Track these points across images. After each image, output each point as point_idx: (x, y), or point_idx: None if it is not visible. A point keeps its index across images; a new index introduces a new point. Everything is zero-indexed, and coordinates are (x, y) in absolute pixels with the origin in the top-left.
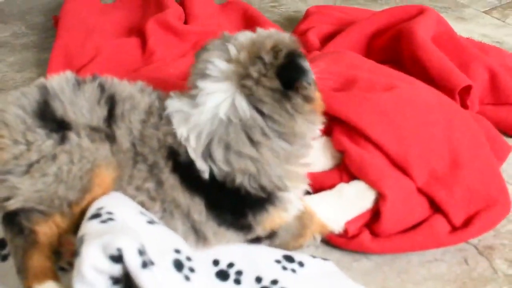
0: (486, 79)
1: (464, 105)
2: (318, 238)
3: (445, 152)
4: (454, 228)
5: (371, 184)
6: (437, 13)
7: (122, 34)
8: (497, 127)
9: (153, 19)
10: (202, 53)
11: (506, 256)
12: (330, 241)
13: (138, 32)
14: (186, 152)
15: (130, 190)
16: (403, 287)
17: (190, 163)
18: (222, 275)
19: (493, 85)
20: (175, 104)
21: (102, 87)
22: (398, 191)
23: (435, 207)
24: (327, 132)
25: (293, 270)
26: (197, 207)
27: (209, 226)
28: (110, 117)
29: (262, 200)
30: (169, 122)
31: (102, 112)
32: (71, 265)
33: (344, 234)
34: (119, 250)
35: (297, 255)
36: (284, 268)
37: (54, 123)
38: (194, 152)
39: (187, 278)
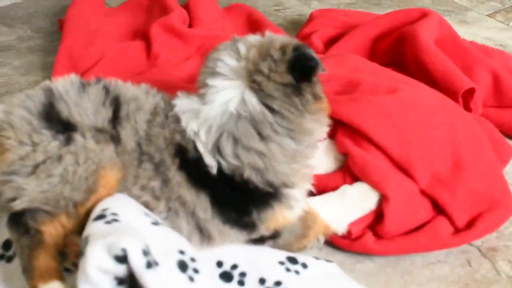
0: (489, 82)
1: (467, 108)
2: (322, 239)
3: (448, 154)
4: (457, 230)
5: (374, 185)
6: (441, 16)
7: (126, 38)
8: (500, 129)
9: (157, 23)
10: (212, 53)
11: (509, 258)
12: (333, 242)
13: (143, 35)
14: (195, 148)
15: (135, 190)
16: None
17: (198, 159)
18: (226, 277)
19: (496, 88)
20: (183, 103)
21: (106, 89)
22: (401, 193)
23: (438, 209)
24: (331, 135)
25: (297, 272)
26: (203, 204)
27: (214, 224)
28: (115, 119)
29: (268, 196)
30: (176, 120)
31: (107, 113)
32: (75, 266)
33: (348, 235)
34: (123, 250)
35: (300, 257)
36: (288, 269)
37: (60, 124)
38: (204, 147)
39: (191, 279)
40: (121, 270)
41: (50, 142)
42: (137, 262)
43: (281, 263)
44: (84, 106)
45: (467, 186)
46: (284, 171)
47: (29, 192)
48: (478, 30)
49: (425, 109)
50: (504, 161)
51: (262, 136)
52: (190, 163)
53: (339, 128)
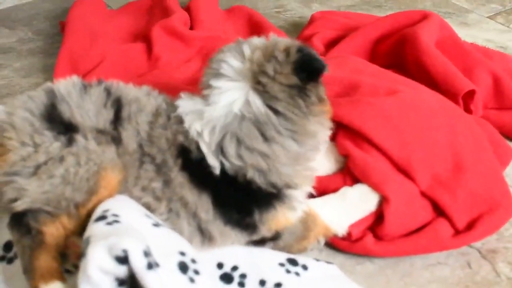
0: (490, 84)
1: (467, 110)
2: (322, 241)
3: (448, 156)
4: (457, 232)
5: (375, 187)
6: (441, 18)
7: (127, 40)
8: (500, 131)
9: (158, 25)
10: (216, 55)
11: (509, 259)
12: (334, 244)
13: (144, 37)
14: (198, 149)
15: (136, 192)
16: None
17: (201, 160)
18: (226, 278)
19: (496, 90)
20: (186, 104)
21: (108, 91)
22: (401, 194)
23: (439, 211)
24: (331, 137)
25: (297, 273)
26: (205, 205)
27: (215, 225)
28: (117, 120)
29: (271, 196)
30: (179, 121)
31: (108, 115)
32: (76, 267)
33: (348, 237)
34: (124, 251)
35: (300, 258)
36: (288, 271)
37: (61, 125)
38: (207, 147)
39: (191, 280)
40: (122, 271)
41: (52, 143)
42: (138, 263)
43: (282, 264)
44: (86, 108)
45: (467, 188)
46: (287, 172)
47: (31, 192)
48: (478, 32)
49: (426, 111)
50: (504, 163)
51: (265, 138)
52: (192, 163)
53: (340, 130)
